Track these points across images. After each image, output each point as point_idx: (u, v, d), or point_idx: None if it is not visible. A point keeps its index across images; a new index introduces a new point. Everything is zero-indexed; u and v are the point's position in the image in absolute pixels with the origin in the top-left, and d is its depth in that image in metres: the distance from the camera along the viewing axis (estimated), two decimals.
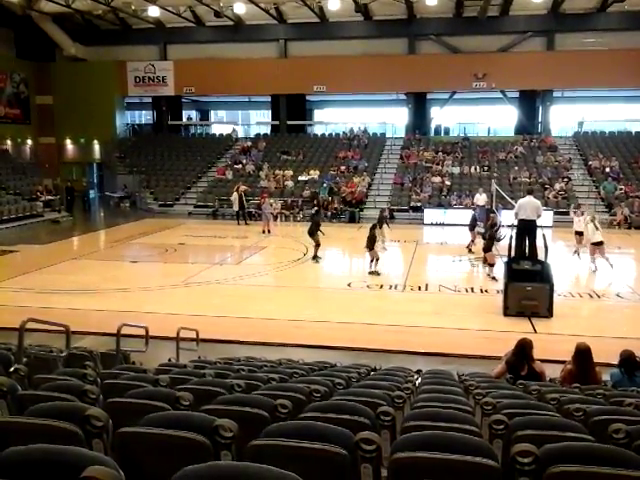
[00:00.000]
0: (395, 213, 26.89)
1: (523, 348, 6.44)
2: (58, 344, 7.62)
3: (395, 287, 14.44)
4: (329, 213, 26.32)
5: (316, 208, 25.43)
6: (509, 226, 15.46)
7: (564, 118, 35.46)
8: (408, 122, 34.43)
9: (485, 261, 15.98)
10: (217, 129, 41.01)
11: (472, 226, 19.04)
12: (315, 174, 29.89)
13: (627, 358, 6.41)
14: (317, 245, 17.50)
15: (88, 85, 33.50)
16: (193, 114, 43.43)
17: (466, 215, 24.33)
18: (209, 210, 28.30)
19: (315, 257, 17.49)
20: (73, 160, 35.67)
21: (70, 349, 7.17)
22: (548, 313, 11.79)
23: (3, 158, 31.49)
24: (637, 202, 25.25)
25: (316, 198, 27.44)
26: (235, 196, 25.74)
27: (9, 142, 33.30)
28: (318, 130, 38.64)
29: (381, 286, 14.48)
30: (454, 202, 26.71)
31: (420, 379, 6.69)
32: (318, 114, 42.00)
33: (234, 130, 37.21)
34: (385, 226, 19.55)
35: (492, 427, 3.20)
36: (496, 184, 23.47)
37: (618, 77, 29.68)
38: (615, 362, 6.59)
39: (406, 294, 13.98)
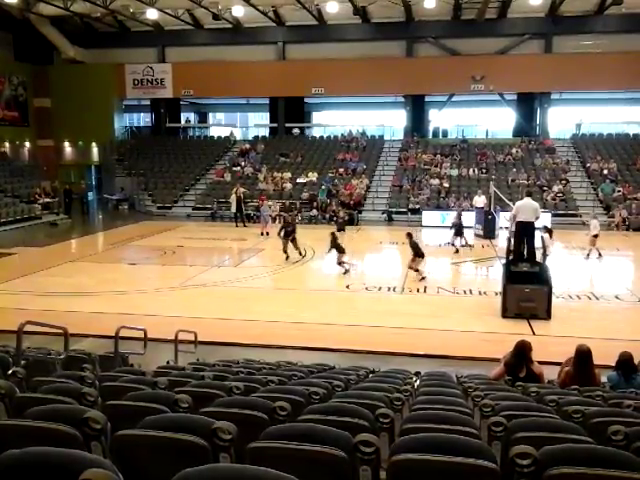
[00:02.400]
0: (393, 215, 26.97)
1: (522, 350, 6.44)
2: (56, 346, 7.62)
3: (393, 289, 14.43)
4: (327, 215, 26.32)
5: (293, 213, 24.50)
6: (506, 228, 15.51)
7: (562, 120, 35.53)
8: (406, 124, 34.49)
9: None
10: (215, 131, 41.02)
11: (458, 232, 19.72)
12: (313, 176, 29.91)
13: (625, 360, 6.40)
14: (296, 247, 18.14)
15: (86, 88, 33.48)
16: (191, 116, 43.46)
17: (466, 217, 24.49)
18: (207, 212, 28.32)
19: (288, 256, 17.93)
20: (71, 162, 35.67)
21: (68, 351, 7.17)
22: (546, 315, 11.79)
23: (1, 160, 31.47)
24: (635, 204, 25.29)
25: (315, 200, 27.47)
26: (233, 198, 25.79)
27: (7, 144, 33.27)
28: (316, 132, 38.68)
29: (379, 288, 14.48)
30: (452, 204, 26.72)
31: (419, 381, 6.69)
32: (316, 116, 42.06)
33: (232, 133, 37.23)
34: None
35: (491, 429, 3.20)
36: (494, 186, 23.53)
37: (616, 79, 29.75)
38: (614, 364, 6.59)
39: (404, 296, 13.98)
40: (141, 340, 8.81)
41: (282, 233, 18.10)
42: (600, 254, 17.89)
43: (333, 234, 16.44)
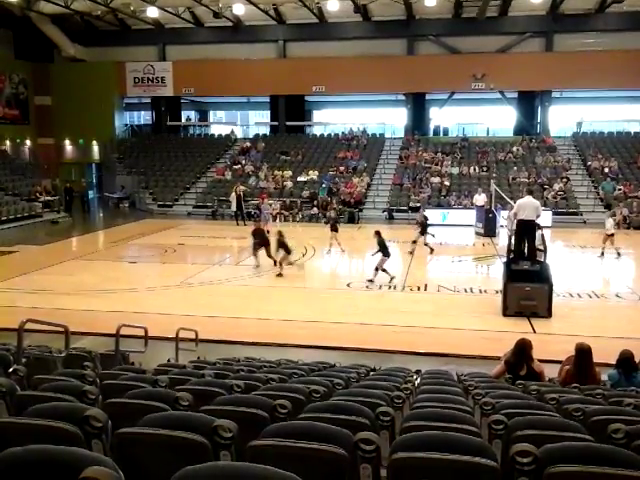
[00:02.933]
0: (394, 213, 26.96)
1: (522, 348, 6.44)
2: (57, 345, 7.62)
3: (394, 287, 14.43)
4: (328, 214, 26.28)
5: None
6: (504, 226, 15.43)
7: (563, 118, 35.50)
8: (407, 122, 34.44)
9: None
10: (216, 130, 41.01)
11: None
12: (314, 174, 29.90)
13: (625, 359, 6.40)
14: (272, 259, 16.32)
15: (87, 86, 33.48)
16: (192, 115, 43.43)
17: (466, 215, 24.49)
18: (208, 210, 28.31)
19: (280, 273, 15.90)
20: (72, 161, 35.67)
21: (69, 350, 7.17)
22: (547, 313, 11.79)
23: (2, 159, 31.46)
24: (636, 202, 25.27)
25: (315, 199, 27.47)
26: (233, 196, 25.82)
27: (8, 143, 33.27)
28: (317, 131, 38.66)
29: (380, 286, 14.48)
30: (453, 202, 26.73)
31: (419, 379, 6.69)
32: (317, 115, 42.03)
33: (232, 131, 37.23)
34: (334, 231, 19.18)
35: (491, 427, 3.20)
36: (495, 184, 23.52)
37: (617, 77, 29.70)
38: (614, 362, 6.58)
39: (405, 294, 13.98)
40: (142, 338, 8.81)
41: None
42: (603, 253, 17.86)
43: (280, 232, 15.91)
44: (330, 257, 18.62)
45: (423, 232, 19.01)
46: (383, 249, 14.77)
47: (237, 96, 38.74)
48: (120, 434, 2.65)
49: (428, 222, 19.73)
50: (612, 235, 17.79)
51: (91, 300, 13.05)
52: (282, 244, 15.72)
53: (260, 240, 16.71)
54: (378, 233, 15.15)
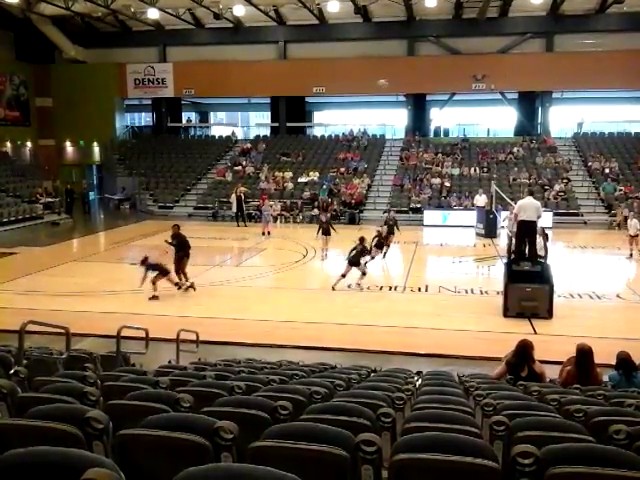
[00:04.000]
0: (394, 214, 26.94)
1: (524, 349, 6.44)
2: (58, 346, 7.62)
3: (395, 288, 14.44)
4: (329, 215, 26.27)
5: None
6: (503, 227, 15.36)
7: (563, 119, 35.49)
8: (408, 123, 34.45)
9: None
10: (217, 131, 41.03)
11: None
12: (315, 176, 29.91)
13: (623, 360, 6.41)
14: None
15: (88, 87, 33.52)
16: (193, 116, 43.47)
17: (467, 216, 24.46)
18: (209, 212, 28.31)
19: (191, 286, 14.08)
20: (73, 162, 35.68)
21: (70, 351, 7.17)
22: (548, 314, 11.79)
23: (3, 160, 31.47)
24: (637, 203, 25.23)
25: (316, 200, 27.47)
26: (233, 197, 25.84)
27: (9, 144, 33.27)
28: (318, 132, 38.67)
29: (381, 287, 14.48)
30: (454, 203, 26.72)
31: (420, 380, 6.69)
32: (317, 116, 42.05)
33: (233, 132, 37.26)
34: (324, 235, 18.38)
35: (493, 428, 3.20)
36: (496, 185, 23.51)
37: (617, 78, 29.71)
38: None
39: (406, 295, 13.98)
40: (143, 340, 8.82)
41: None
42: (632, 255, 17.71)
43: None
44: (329, 259, 18.60)
45: (380, 246, 17.02)
46: (366, 252, 14.70)
47: (238, 97, 38.77)
48: (121, 435, 2.65)
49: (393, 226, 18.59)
50: (636, 236, 17.65)
51: (92, 301, 13.05)
52: (157, 266, 13.52)
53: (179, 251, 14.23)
54: (362, 239, 14.73)
